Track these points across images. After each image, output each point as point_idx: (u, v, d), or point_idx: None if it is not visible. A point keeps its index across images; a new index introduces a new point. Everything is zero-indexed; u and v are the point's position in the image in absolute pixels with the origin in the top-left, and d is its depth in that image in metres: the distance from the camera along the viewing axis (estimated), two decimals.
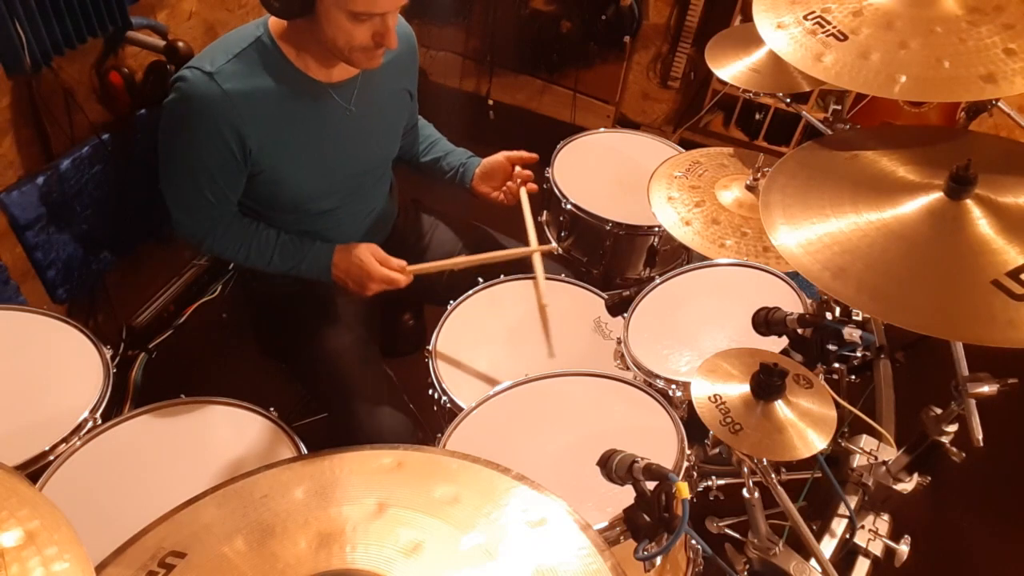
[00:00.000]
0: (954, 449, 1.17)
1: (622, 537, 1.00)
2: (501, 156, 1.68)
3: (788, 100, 1.68)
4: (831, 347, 1.03)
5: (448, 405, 1.36)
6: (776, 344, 1.09)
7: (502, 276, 1.61)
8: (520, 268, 1.66)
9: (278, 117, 1.35)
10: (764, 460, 0.98)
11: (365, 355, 1.54)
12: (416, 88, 1.63)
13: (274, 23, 1.33)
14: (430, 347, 1.45)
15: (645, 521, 0.84)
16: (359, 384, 1.48)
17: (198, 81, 1.28)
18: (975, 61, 0.98)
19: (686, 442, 1.11)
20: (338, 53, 1.32)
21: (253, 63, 1.31)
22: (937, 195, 0.95)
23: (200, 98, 1.28)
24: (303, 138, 1.39)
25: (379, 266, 1.45)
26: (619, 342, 1.33)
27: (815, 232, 0.96)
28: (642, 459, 0.87)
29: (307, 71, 1.36)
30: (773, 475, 0.98)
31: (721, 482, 1.25)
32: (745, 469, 1.00)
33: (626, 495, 0.87)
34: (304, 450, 1.22)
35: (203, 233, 1.44)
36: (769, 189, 1.05)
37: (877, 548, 1.23)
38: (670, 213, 1.58)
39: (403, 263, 1.48)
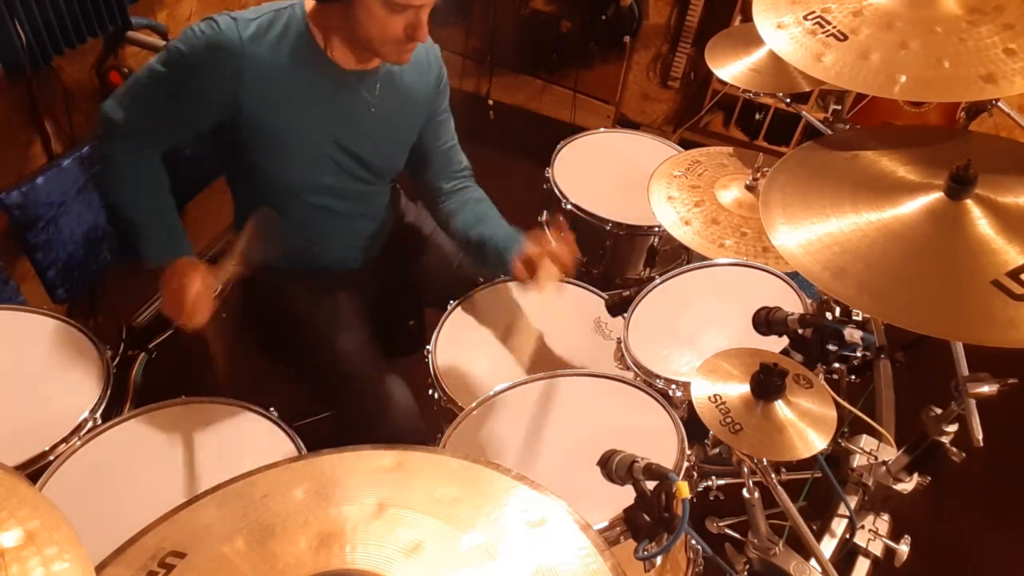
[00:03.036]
0: (954, 449, 1.17)
1: (622, 537, 1.00)
2: (537, 251, 1.45)
3: (788, 100, 1.68)
4: (831, 347, 1.03)
5: (448, 405, 1.36)
6: (776, 344, 1.09)
7: (502, 276, 1.61)
8: None
9: (289, 89, 1.32)
10: (764, 460, 0.98)
11: (369, 353, 1.54)
12: (447, 110, 1.58)
13: (308, 1, 1.33)
14: (430, 347, 1.46)
15: (645, 521, 0.84)
16: (367, 382, 1.48)
17: (224, 24, 1.27)
18: (975, 61, 0.98)
19: (686, 442, 1.11)
20: (369, 44, 1.30)
21: (278, 30, 1.30)
22: (937, 195, 0.95)
23: (220, 41, 1.26)
24: (313, 117, 1.37)
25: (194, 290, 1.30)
26: (619, 342, 1.33)
27: (815, 232, 0.96)
28: (642, 459, 0.87)
29: (331, 55, 1.34)
30: (773, 475, 0.98)
31: (721, 482, 1.25)
32: (745, 469, 1.00)
33: (626, 495, 0.87)
34: (304, 450, 1.22)
35: (120, 134, 1.35)
36: (769, 189, 1.05)
37: (877, 548, 1.24)
38: (670, 213, 1.58)
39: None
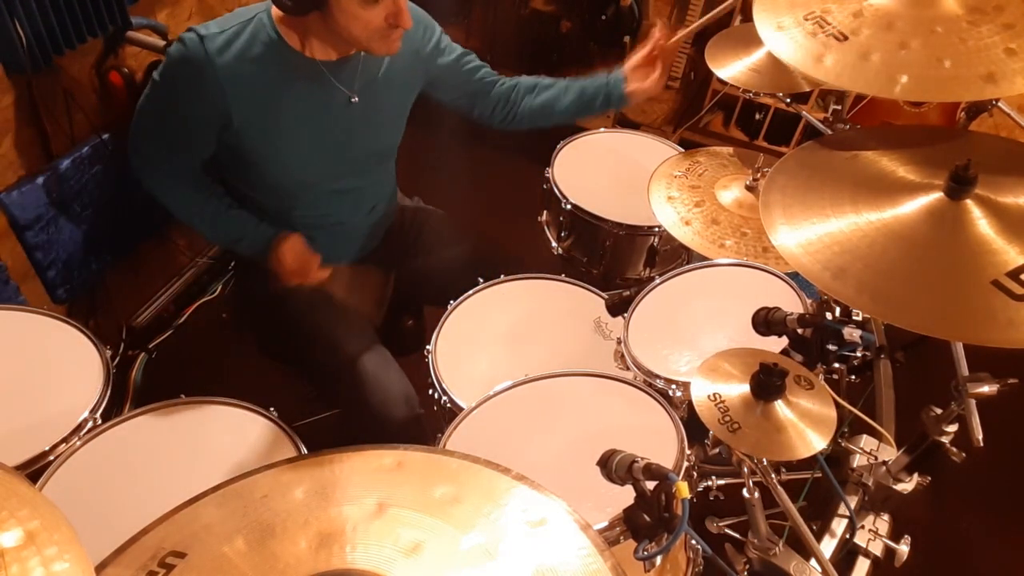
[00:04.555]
0: (954, 449, 1.17)
1: (622, 537, 1.00)
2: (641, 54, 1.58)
3: (788, 100, 1.68)
4: (831, 347, 1.03)
5: (448, 405, 1.36)
6: (776, 344, 1.09)
7: (502, 276, 1.61)
8: (521, 268, 1.66)
9: (270, 95, 1.34)
10: (764, 460, 0.98)
11: (374, 351, 1.54)
12: (455, 55, 1.58)
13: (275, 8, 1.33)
14: (430, 347, 1.46)
15: (645, 521, 0.84)
16: (372, 381, 1.48)
17: (191, 43, 1.29)
18: (975, 61, 0.98)
19: (686, 442, 1.11)
20: (355, 43, 1.32)
21: (248, 39, 1.31)
22: (937, 195, 0.95)
23: (189, 57, 1.29)
24: (301, 117, 1.38)
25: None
26: (619, 342, 1.33)
27: (815, 232, 0.96)
28: (642, 459, 0.87)
29: (304, 52, 1.35)
30: (773, 475, 0.98)
31: (721, 482, 1.25)
32: (745, 469, 1.00)
33: (626, 495, 0.87)
34: (304, 450, 1.22)
35: (153, 168, 1.44)
36: (769, 189, 1.04)
37: (877, 548, 1.24)
38: (670, 213, 1.58)
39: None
